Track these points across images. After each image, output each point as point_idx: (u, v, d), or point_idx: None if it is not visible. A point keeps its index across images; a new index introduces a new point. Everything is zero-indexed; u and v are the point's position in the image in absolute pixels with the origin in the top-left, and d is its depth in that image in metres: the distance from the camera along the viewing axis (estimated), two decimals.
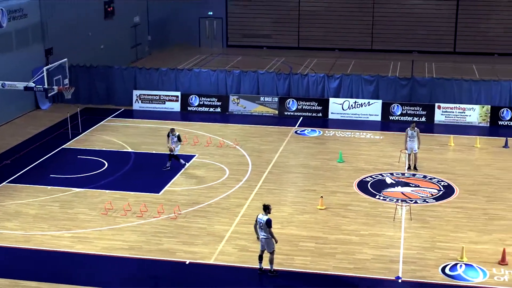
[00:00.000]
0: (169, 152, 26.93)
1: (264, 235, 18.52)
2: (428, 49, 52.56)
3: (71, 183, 25.68)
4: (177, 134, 26.93)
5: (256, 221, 18.65)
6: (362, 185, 25.65)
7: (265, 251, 18.66)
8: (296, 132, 32.61)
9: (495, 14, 51.81)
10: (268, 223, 18.33)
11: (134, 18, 48.82)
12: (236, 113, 35.65)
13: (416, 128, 27.08)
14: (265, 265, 18.85)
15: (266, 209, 18.59)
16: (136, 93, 36.64)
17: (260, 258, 18.84)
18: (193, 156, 28.65)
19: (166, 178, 26.18)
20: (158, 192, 24.83)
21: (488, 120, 33.82)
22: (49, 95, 31.31)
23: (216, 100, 35.92)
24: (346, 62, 48.88)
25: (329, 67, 46.53)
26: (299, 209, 23.44)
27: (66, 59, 33.08)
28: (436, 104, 34.31)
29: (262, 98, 35.57)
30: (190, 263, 19.58)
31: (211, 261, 19.66)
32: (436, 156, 29.14)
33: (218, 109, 35.85)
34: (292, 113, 35.24)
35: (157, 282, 18.71)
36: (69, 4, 39.25)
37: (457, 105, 34.18)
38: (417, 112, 34.34)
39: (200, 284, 18.49)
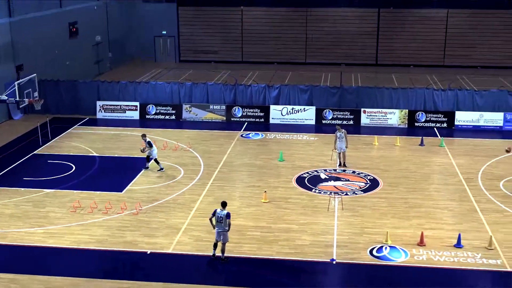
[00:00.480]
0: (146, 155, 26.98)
1: (221, 229, 18.57)
2: (354, 62, 53.18)
3: (43, 185, 25.21)
4: (147, 140, 26.72)
5: (214, 214, 18.64)
6: (300, 181, 25.81)
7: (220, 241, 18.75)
8: (241, 135, 32.63)
9: (410, 31, 52.75)
10: (228, 215, 18.55)
11: (96, 37, 48.10)
12: (189, 120, 35.48)
13: (343, 130, 27.38)
14: (218, 252, 18.89)
15: (225, 205, 18.72)
16: (99, 103, 36.15)
17: (215, 246, 18.88)
18: (151, 158, 28.43)
19: (128, 178, 25.91)
20: (121, 191, 24.57)
21: (406, 122, 34.36)
22: (21, 106, 30.87)
23: (171, 108, 35.70)
24: (284, 74, 49.06)
25: (269, 78, 46.65)
26: (245, 202, 23.48)
27: (35, 74, 32.68)
28: (362, 109, 34.71)
29: (211, 106, 35.49)
30: (151, 252, 19.47)
31: (170, 250, 19.59)
32: (363, 154, 29.52)
33: (173, 117, 35.62)
34: (238, 119, 35.25)
35: (121, 271, 18.57)
36: (37, 25, 38.53)
37: (380, 110, 34.64)
38: (346, 116, 34.73)
39: (161, 271, 18.41)
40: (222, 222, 18.55)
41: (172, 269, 18.55)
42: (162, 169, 26.72)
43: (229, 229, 18.70)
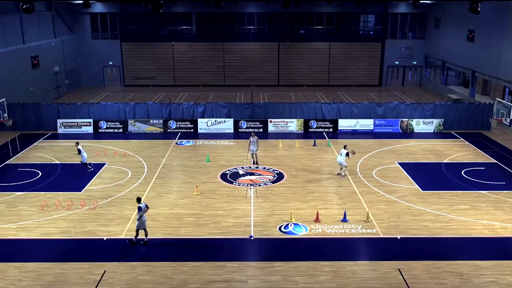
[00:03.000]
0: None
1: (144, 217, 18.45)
2: (261, 83, 53.70)
3: (14, 188, 24.01)
4: (77, 147, 26.26)
5: (141, 209, 18.41)
6: (224, 177, 25.81)
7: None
8: (176, 143, 32.28)
9: (303, 59, 53.84)
10: (139, 208, 18.35)
11: (54, 68, 46.24)
12: (134, 132, 34.72)
13: (255, 136, 27.63)
14: (141, 236, 18.60)
15: (139, 200, 18.54)
16: (59, 121, 34.73)
17: (146, 234, 18.66)
18: (104, 164, 27.69)
19: (86, 180, 25.10)
20: (80, 191, 23.76)
21: (302, 128, 34.97)
22: None
23: (118, 123, 34.80)
24: (207, 93, 48.93)
25: (196, 97, 46.42)
26: (181, 195, 23.27)
27: (4, 98, 31.06)
28: (269, 119, 35.06)
29: (151, 121, 34.88)
30: (107, 239, 18.98)
31: (122, 236, 19.16)
32: (271, 154, 29.86)
33: (120, 130, 34.74)
34: (173, 130, 34.83)
35: (83, 255, 17.98)
36: (4, 59, 36.70)
37: (283, 120, 35.04)
38: (257, 125, 34.97)
39: (115, 253, 17.97)
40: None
41: (125, 251, 18.13)
42: (90, 168, 26.28)
43: (139, 219, 18.28)
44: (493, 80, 40.56)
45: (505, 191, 23.68)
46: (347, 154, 25.45)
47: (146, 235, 18.61)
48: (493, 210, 21.56)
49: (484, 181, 25.03)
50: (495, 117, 29.61)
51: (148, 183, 24.87)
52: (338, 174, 25.88)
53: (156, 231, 19.39)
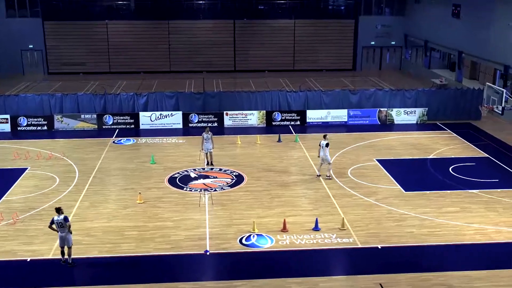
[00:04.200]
0: None
1: (64, 233, 17.85)
2: (214, 69, 53.66)
3: None
4: None
5: (53, 222, 17.85)
6: (172, 181, 25.62)
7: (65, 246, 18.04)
8: (113, 142, 31.83)
9: (263, 40, 54.01)
10: (66, 218, 17.84)
11: None
12: (61, 129, 34.03)
13: (209, 131, 27.52)
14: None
15: (59, 210, 17.97)
16: None
17: (62, 253, 18.06)
18: (26, 169, 26.99)
19: (3, 189, 24.39)
20: None
21: (264, 121, 35.13)
22: None
23: (42, 119, 34.03)
24: (150, 82, 48.52)
25: (137, 86, 45.94)
26: (121, 204, 22.94)
27: None
28: (225, 112, 35.06)
29: (82, 116, 34.29)
30: (31, 260, 18.49)
31: (50, 256, 18.71)
32: (228, 152, 29.83)
33: (45, 127, 33.99)
34: (109, 127, 34.35)
35: (1, 280, 17.43)
36: None
37: (241, 112, 35.14)
38: (211, 119, 34.91)
39: (41, 277, 17.52)
40: (63, 227, 17.83)
41: (53, 274, 17.70)
42: None
43: (69, 230, 17.88)
44: (482, 62, 41.75)
45: (498, 190, 24.38)
46: (327, 145, 25.49)
47: (64, 254, 18.09)
48: (486, 212, 22.17)
49: (475, 178, 25.71)
50: (485, 105, 30.46)
51: (80, 191, 24.40)
52: (318, 176, 25.84)
53: (91, 249, 19.02)
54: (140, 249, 19.21)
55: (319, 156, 25.93)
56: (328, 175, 25.73)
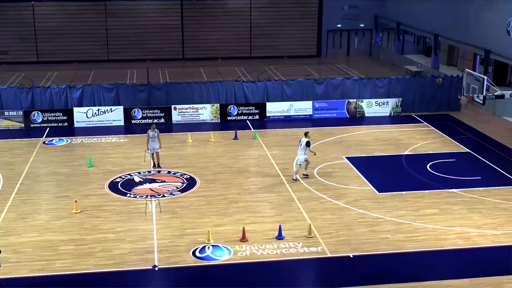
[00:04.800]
0: None
1: None
2: (160, 57, 53.35)
3: None
4: None
5: None
6: (113, 186, 25.39)
7: None
8: (44, 142, 31.35)
9: (215, 24, 53.97)
10: None
11: None
12: None
13: (156, 129, 27.35)
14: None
15: None
16: None
17: None
18: None
19: None
20: None
21: (219, 116, 35.11)
22: None
23: None
24: (85, 73, 47.95)
25: (70, 78, 45.35)
26: (55, 215, 22.60)
27: None
28: (173, 106, 34.89)
29: (6, 113, 33.64)
30: None
31: None
32: (177, 152, 29.71)
33: None
34: (38, 125, 33.81)
35: None
36: None
37: (191, 105, 35.04)
38: (156, 114, 34.70)
39: None
40: None
41: None
42: None
43: None
44: (461, 46, 42.63)
45: (481, 188, 24.96)
46: (307, 144, 25.48)
47: None
48: (468, 213, 22.67)
49: (455, 176, 26.24)
50: (465, 94, 31.05)
51: (5, 200, 23.97)
52: (294, 179, 25.76)
53: (20, 267, 18.69)
54: (78, 266, 18.97)
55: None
56: (305, 173, 26.03)
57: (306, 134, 26.05)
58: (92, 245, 20.28)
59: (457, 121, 35.00)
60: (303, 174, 26.19)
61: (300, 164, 25.78)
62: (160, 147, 27.41)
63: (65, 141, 31.69)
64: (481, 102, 29.23)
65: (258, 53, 54.63)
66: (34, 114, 33.90)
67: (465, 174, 26.49)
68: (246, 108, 35.37)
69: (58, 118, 34.13)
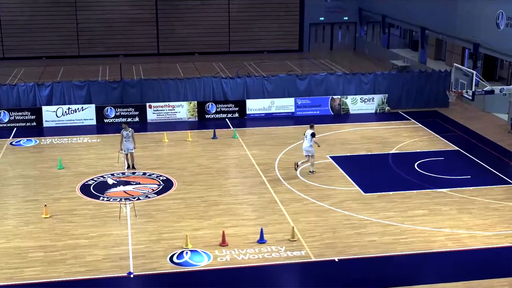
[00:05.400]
0: None
1: None
2: (133, 52, 53.22)
3: None
4: None
5: None
6: (85, 189, 25.28)
7: None
8: (11, 143, 31.15)
9: (191, 17, 53.91)
10: None
11: None
12: None
13: (130, 128, 27.24)
14: None
15: None
16: None
17: None
18: None
19: None
20: None
21: (196, 115, 35.08)
22: None
23: None
24: (55, 69, 47.71)
25: (38, 75, 45.06)
26: (23, 220, 22.44)
27: None
28: (147, 104, 34.82)
29: None
30: None
31: None
32: (152, 152, 29.64)
33: None
34: (4, 125, 33.58)
35: None
36: None
37: (167, 103, 35.01)
38: (130, 113, 34.60)
39: None
40: None
41: None
42: None
43: None
44: (448, 40, 42.93)
45: (471, 188, 25.16)
46: (312, 135, 26.03)
47: None
48: (458, 214, 22.83)
49: (444, 175, 26.43)
50: (453, 89, 31.28)
51: None
52: (311, 172, 26.56)
53: None
54: (48, 274, 18.85)
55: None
56: (311, 170, 26.53)
57: (311, 126, 26.65)
58: (64, 251, 20.15)
59: (446, 118, 35.25)
60: (296, 164, 26.74)
61: (310, 156, 26.33)
62: (134, 147, 27.32)
63: (33, 141, 31.52)
64: (470, 98, 29.46)
65: (237, 48, 54.67)
66: (0, 114, 33.65)
67: (454, 173, 26.69)
68: (225, 105, 35.36)
69: (26, 117, 33.93)
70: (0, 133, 32.75)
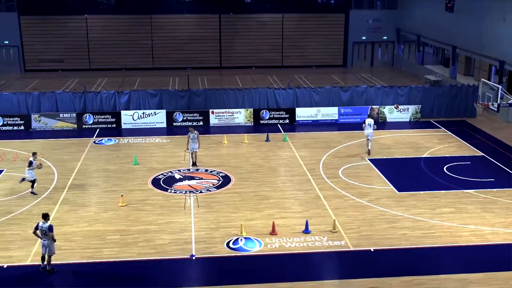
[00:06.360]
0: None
1: (46, 241, 17.76)
2: (200, 65, 53.59)
3: None
4: (30, 159, 24.37)
5: (37, 227, 17.74)
6: (156, 182, 25.56)
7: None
8: (94, 142, 31.70)
9: (250, 35, 54.00)
10: (50, 228, 17.75)
11: None
12: (39, 129, 33.83)
13: (195, 131, 27.48)
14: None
15: (46, 217, 17.91)
16: None
17: (43, 258, 17.97)
18: (2, 170, 26.80)
19: None
20: None
21: (252, 120, 35.16)
22: None
23: (19, 119, 33.81)
24: (132, 79, 48.35)
25: (118, 84, 45.77)
26: (103, 207, 22.85)
27: None
28: (210, 110, 35.03)
29: (61, 115, 34.12)
30: (7, 266, 18.35)
31: (28, 262, 18.59)
32: (214, 152, 29.79)
33: (22, 127, 33.78)
34: (89, 126, 34.20)
35: None
36: None
37: (227, 110, 35.14)
38: (196, 118, 34.86)
39: (19, 285, 17.41)
40: (46, 235, 17.75)
41: (32, 281, 17.61)
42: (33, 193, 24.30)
43: (54, 240, 17.87)
44: (477, 57, 42.00)
45: (494, 190, 24.57)
46: (375, 122, 29.18)
47: (44, 260, 18.03)
48: (482, 212, 22.34)
49: (470, 178, 25.88)
50: (480, 102, 30.65)
51: (59, 194, 24.27)
52: (368, 151, 29.03)
53: (72, 254, 18.94)
54: (123, 254, 19.14)
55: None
56: (369, 149, 28.97)
57: (370, 115, 30.39)
58: (136, 235, 20.46)
59: (473, 127, 34.50)
60: (367, 151, 28.98)
61: (370, 140, 28.95)
62: (198, 148, 27.53)
63: (113, 141, 32.00)
64: (496, 109, 28.86)
65: (289, 63, 54.56)
66: (85, 116, 34.29)
67: (479, 176, 26.12)
68: (277, 113, 35.33)
69: (107, 120, 34.46)
70: (85, 133, 33.36)
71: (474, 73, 44.57)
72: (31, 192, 24.06)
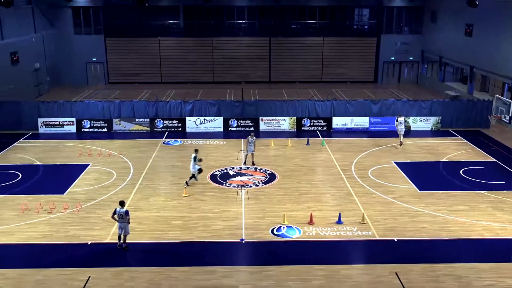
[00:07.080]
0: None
1: (122, 223, 18.22)
2: (252, 80, 53.74)
3: None
4: (193, 155, 24.62)
5: (115, 212, 18.22)
6: (213, 177, 25.80)
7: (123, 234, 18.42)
8: (163, 142, 32.22)
9: (295, 54, 53.92)
10: (127, 212, 18.26)
11: (35, 64, 46.04)
12: (119, 131, 34.59)
13: (254, 136, 27.56)
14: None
15: (123, 203, 18.37)
16: (40, 120, 34.54)
17: (119, 238, 18.47)
18: (88, 165, 27.57)
19: (69, 182, 24.94)
20: (63, 193, 23.63)
21: (295, 127, 35.10)
22: None
23: (103, 122, 34.68)
24: (195, 91, 48.87)
25: (184, 95, 46.36)
26: (169, 197, 23.22)
27: None
28: (260, 118, 35.13)
29: (137, 120, 34.79)
30: (91, 243, 18.91)
31: (107, 240, 19.10)
32: (262, 153, 29.83)
33: (105, 129, 34.62)
34: (160, 129, 34.78)
35: (66, 260, 17.87)
36: None
37: (274, 118, 35.16)
38: (248, 124, 34.99)
39: (99, 258, 17.91)
40: (123, 218, 18.21)
41: (110, 256, 18.08)
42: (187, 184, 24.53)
43: (129, 223, 18.38)
44: (492, 76, 40.86)
45: (504, 191, 23.87)
46: (405, 121, 31.49)
47: (120, 239, 18.51)
48: (493, 210, 21.74)
49: (483, 180, 25.22)
50: (494, 114, 29.86)
51: (134, 184, 24.79)
52: (401, 143, 30.22)
53: (143, 235, 19.34)
54: (184, 236, 19.43)
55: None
56: (401, 141, 30.21)
57: (401, 116, 30.98)
58: (196, 221, 20.72)
59: (487, 136, 33.56)
60: (400, 142, 30.16)
61: (403, 135, 30.40)
62: (254, 150, 27.58)
63: (179, 142, 32.42)
64: (508, 121, 28.09)
65: (327, 78, 54.18)
66: (157, 121, 34.87)
67: (491, 179, 25.43)
68: (316, 121, 35.18)
69: (175, 124, 34.93)
70: (157, 135, 33.92)
71: (489, 89, 43.33)
72: (187, 182, 24.41)
